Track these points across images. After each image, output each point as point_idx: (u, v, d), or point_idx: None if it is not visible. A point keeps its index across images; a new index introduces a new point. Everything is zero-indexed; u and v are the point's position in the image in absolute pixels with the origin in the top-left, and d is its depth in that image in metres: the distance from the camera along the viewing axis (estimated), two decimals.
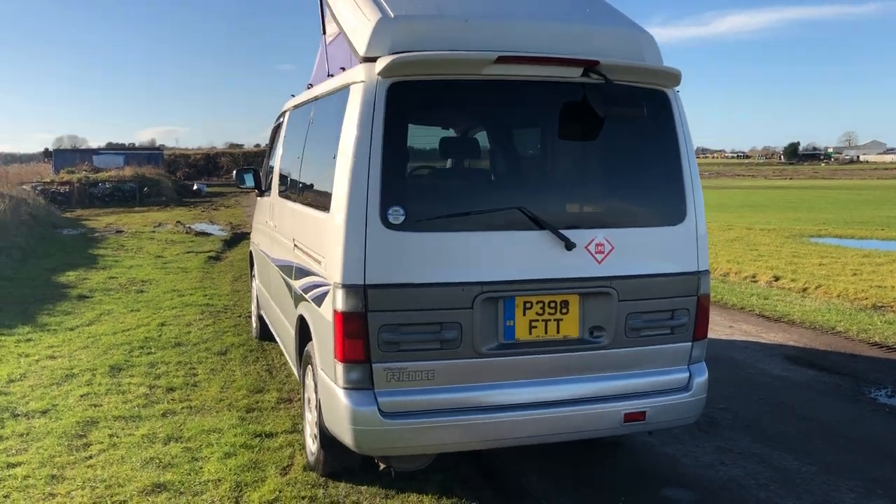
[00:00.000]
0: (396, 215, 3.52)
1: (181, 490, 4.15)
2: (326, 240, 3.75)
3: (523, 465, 4.52)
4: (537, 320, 3.76)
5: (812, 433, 5.12)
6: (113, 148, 60.61)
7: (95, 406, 5.54)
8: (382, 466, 4.18)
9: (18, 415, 5.35)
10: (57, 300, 9.77)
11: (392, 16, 3.68)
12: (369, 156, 3.51)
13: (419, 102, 3.72)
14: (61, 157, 48.18)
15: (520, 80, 3.72)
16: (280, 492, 4.10)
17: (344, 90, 3.85)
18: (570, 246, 3.69)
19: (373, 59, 3.60)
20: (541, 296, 3.74)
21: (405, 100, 3.59)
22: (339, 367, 3.59)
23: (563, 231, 3.69)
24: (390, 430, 3.56)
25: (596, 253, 3.77)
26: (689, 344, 4.02)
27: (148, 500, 4.02)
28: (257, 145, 78.20)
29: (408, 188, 3.67)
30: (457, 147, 4.43)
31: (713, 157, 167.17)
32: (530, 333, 3.76)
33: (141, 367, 6.60)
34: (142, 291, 10.57)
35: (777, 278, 11.68)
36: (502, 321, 3.71)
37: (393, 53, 3.56)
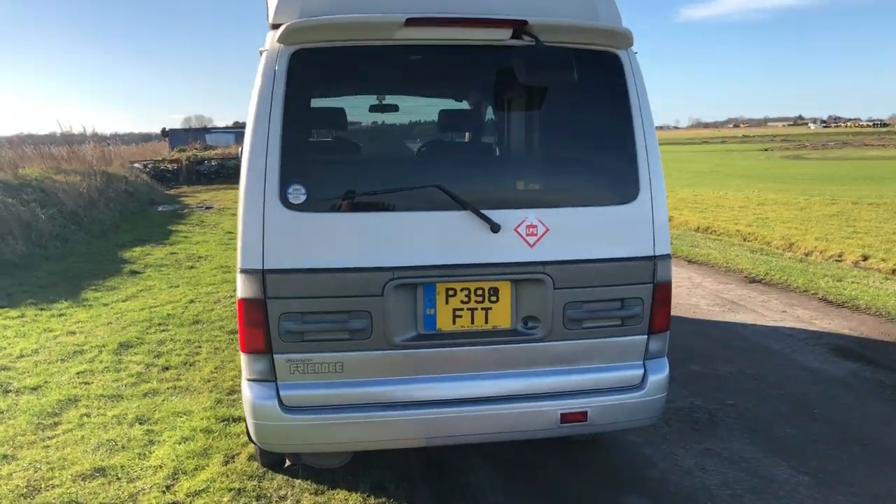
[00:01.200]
0: (297, 194, 3.25)
1: (119, 476, 4.08)
2: (238, 221, 3.54)
3: (479, 461, 4.19)
4: (462, 309, 3.42)
5: (823, 438, 4.52)
6: (240, 126, 62.54)
7: (85, 384, 5.60)
8: (288, 463, 3.94)
9: (9, 391, 5.47)
10: (109, 275, 10.08)
11: None
12: (268, 129, 3.24)
13: (325, 71, 3.41)
14: (176, 136, 50.14)
15: (440, 45, 3.35)
16: (212, 482, 3.96)
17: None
18: (494, 228, 3.32)
19: (279, 27, 3.33)
20: (466, 282, 3.40)
21: (309, 69, 3.30)
22: (243, 357, 3.38)
23: (490, 212, 3.32)
24: (292, 425, 3.33)
25: (527, 235, 3.38)
26: (644, 337, 3.58)
27: (80, 485, 3.97)
28: None
29: (310, 165, 3.38)
30: (369, 120, 4.10)
31: (845, 126, 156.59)
32: (454, 323, 3.42)
33: (149, 344, 6.65)
34: (192, 267, 10.78)
35: (866, 258, 10.61)
36: (421, 310, 3.39)
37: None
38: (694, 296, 8.44)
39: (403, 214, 3.34)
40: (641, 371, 3.59)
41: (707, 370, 5.76)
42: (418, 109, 3.96)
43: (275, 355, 3.31)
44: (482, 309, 3.43)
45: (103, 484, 3.98)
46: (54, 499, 3.80)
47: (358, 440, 3.43)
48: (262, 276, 3.24)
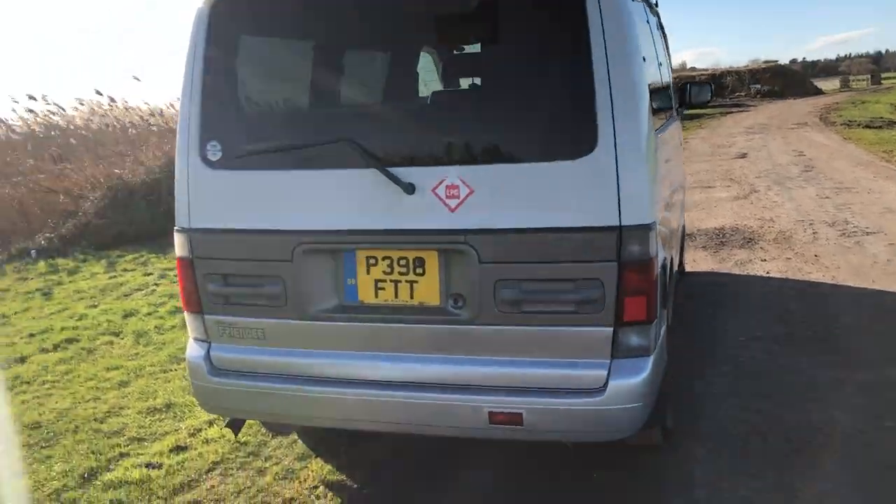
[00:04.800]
0: (214, 151, 3.11)
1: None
2: None
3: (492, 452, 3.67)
4: (385, 281, 2.99)
5: None
6: None
7: None
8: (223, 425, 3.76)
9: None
10: None
11: None
12: (191, 85, 3.13)
13: (246, 21, 3.17)
14: None
15: None
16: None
17: None
18: (407, 189, 2.83)
19: None
20: (387, 250, 2.96)
21: (229, 19, 3.11)
22: (185, 315, 3.38)
23: (405, 169, 2.84)
24: (219, 388, 3.24)
25: (447, 198, 2.82)
26: (608, 330, 2.78)
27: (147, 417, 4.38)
28: (793, 60, 72.10)
29: (227, 120, 3.18)
30: (288, 70, 3.62)
31: None
32: (377, 296, 3.02)
33: None
34: None
35: None
36: (342, 279, 3.05)
37: None
38: None
39: (311, 173, 3.01)
40: (603, 372, 2.81)
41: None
42: (348, 58, 3.50)
43: (205, 316, 3.25)
44: (407, 282, 2.97)
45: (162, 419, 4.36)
46: None
47: (277, 412, 3.24)
48: (188, 235, 3.19)
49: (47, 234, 10.49)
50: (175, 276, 8.17)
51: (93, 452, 3.91)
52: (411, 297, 2.98)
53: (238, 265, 3.14)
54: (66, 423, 4.33)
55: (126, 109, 15.58)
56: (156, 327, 6.13)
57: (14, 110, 15.35)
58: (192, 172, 3.14)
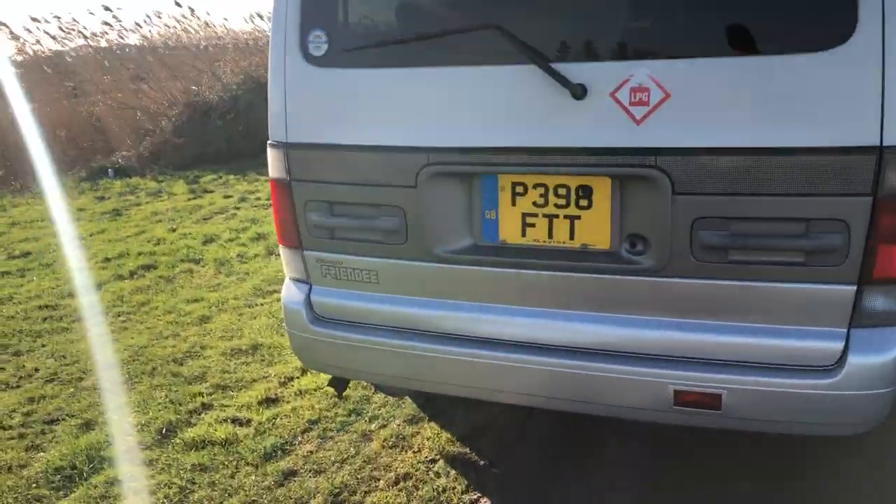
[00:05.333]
0: (318, 43, 2.41)
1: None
2: None
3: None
4: (536, 215, 2.29)
5: None
6: None
7: None
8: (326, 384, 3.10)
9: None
10: None
11: None
12: None
13: None
14: None
15: None
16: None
17: None
18: (577, 92, 2.10)
19: None
20: (541, 175, 2.25)
21: None
22: (281, 250, 2.77)
23: (574, 65, 2.11)
24: (321, 340, 2.63)
25: (632, 105, 2.07)
26: (850, 288, 2.04)
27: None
28: None
29: (334, 3, 2.48)
30: None
31: None
32: (524, 235, 2.32)
33: None
34: None
35: None
36: (478, 211, 2.36)
37: None
38: None
39: (444, 72, 2.28)
40: (839, 345, 2.08)
41: None
42: None
43: (304, 252, 2.62)
44: (566, 217, 2.26)
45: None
46: None
47: (392, 373, 2.61)
48: (285, 151, 2.54)
49: (124, 153, 10.15)
50: (257, 200, 7.79)
51: (171, 402, 3.40)
52: (571, 238, 2.27)
53: (347, 191, 2.47)
54: (142, 363, 3.84)
55: (206, 24, 15.05)
56: (238, 255, 5.62)
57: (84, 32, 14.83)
58: (291, 73, 2.46)
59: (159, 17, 15.53)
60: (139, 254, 5.79)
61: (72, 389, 3.63)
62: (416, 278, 2.46)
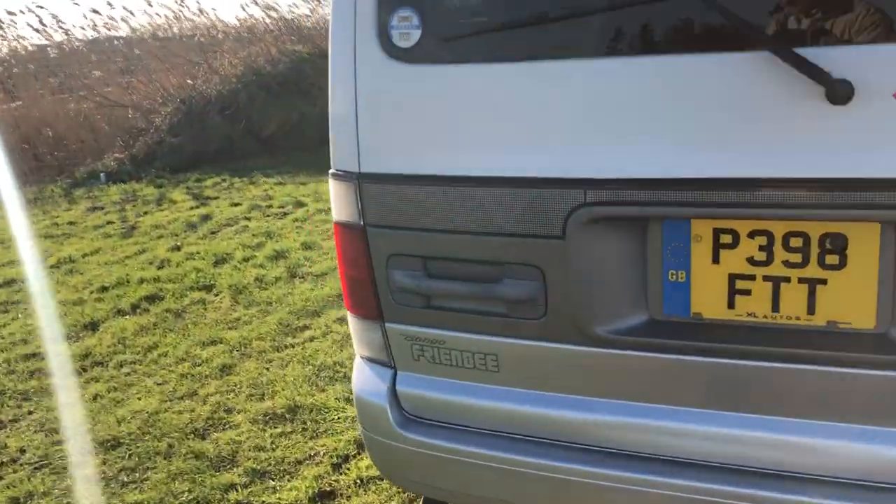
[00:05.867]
0: (406, 28, 1.63)
1: None
2: None
3: None
4: (752, 277, 1.52)
5: None
6: None
7: None
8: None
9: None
10: None
11: None
12: None
13: None
14: None
15: None
16: None
17: None
18: (838, 93, 1.32)
19: None
20: (765, 220, 1.49)
21: None
22: (349, 318, 2.00)
23: (826, 50, 1.34)
24: (417, 452, 1.87)
25: None
26: None
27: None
28: None
29: None
30: None
31: None
32: (732, 307, 1.55)
33: None
34: None
35: None
36: (658, 271, 1.59)
37: None
38: None
39: (613, 64, 1.52)
40: None
41: None
42: None
43: (387, 325, 1.86)
44: (802, 280, 1.49)
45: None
46: None
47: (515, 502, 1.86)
48: (357, 186, 1.77)
49: (117, 155, 9.35)
50: (269, 208, 7.00)
51: (198, 501, 2.66)
52: (811, 312, 1.50)
53: (452, 241, 1.69)
54: (154, 438, 3.07)
55: (200, 11, 14.20)
56: (256, 279, 4.84)
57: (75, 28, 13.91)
58: (364, 73, 1.67)
59: (150, 6, 14.58)
60: (141, 280, 4.99)
61: (67, 482, 2.86)
62: (560, 367, 1.69)
